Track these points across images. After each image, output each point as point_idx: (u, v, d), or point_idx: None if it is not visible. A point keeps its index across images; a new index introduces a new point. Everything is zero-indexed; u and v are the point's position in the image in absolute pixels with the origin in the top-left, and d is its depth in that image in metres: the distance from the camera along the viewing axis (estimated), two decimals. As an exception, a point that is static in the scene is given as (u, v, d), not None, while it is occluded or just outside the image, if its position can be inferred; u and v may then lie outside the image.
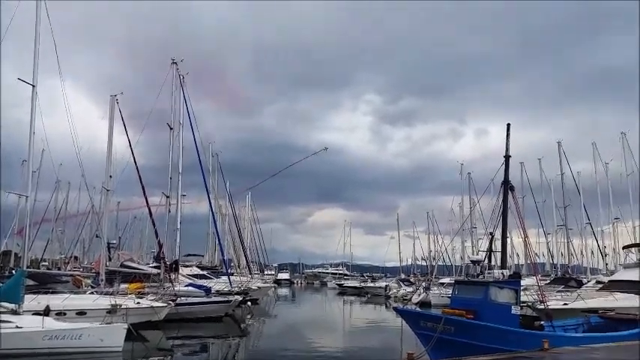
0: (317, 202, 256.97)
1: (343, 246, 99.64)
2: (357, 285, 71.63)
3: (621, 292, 22.56)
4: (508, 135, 18.74)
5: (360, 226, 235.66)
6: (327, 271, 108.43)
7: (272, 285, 52.13)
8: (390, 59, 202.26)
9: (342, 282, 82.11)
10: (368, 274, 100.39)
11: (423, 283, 49.41)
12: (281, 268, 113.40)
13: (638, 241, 37.24)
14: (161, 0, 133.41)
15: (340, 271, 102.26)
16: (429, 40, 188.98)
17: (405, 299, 45.62)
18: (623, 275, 26.35)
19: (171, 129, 32.22)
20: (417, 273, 79.37)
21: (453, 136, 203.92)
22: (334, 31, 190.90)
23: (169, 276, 27.98)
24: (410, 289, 50.34)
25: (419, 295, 43.34)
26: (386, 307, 44.98)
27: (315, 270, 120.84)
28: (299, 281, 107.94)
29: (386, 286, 61.73)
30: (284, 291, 73.54)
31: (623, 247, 33.62)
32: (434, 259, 68.09)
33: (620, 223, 46.99)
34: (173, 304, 22.47)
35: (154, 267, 31.47)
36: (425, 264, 78.11)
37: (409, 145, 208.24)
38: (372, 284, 68.56)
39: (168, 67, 32.40)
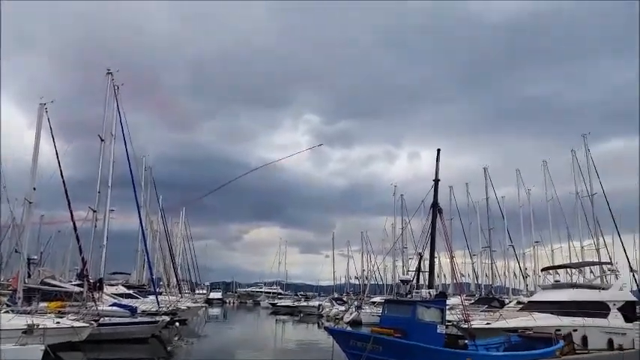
0: (254, 220, 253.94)
1: (278, 264, 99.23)
2: (291, 304, 71.30)
3: (539, 312, 23.81)
4: (438, 159, 19.61)
5: (296, 245, 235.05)
6: (260, 290, 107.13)
7: (203, 305, 50.85)
8: (329, 81, 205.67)
9: (276, 301, 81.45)
10: (302, 293, 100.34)
11: (355, 302, 49.96)
12: (213, 286, 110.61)
13: (555, 264, 39.63)
14: (99, 1, 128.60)
15: (274, 290, 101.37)
16: (367, 65, 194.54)
17: (337, 318, 45.87)
18: (541, 296, 27.88)
19: (102, 140, 31.11)
20: (349, 292, 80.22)
21: (388, 158, 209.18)
22: (275, 51, 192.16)
23: (93, 295, 26.72)
24: (342, 308, 50.76)
25: (350, 314, 43.73)
26: (318, 326, 45.00)
27: (249, 289, 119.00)
28: (231, 300, 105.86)
29: (319, 305, 61.87)
30: (215, 311, 71.79)
31: (542, 270, 35.69)
32: (366, 278, 69.09)
33: (540, 246, 49.79)
34: (96, 324, 21.47)
35: (77, 285, 29.92)
36: (358, 283, 79.17)
37: (346, 165, 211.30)
38: (305, 303, 68.51)
39: (103, 77, 31.52)
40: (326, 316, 52.27)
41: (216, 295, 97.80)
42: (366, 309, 43.73)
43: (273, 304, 77.80)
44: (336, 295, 72.41)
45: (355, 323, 39.74)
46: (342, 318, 44.38)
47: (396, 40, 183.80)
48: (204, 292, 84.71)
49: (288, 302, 75.46)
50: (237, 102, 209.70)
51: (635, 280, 36.38)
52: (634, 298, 27.23)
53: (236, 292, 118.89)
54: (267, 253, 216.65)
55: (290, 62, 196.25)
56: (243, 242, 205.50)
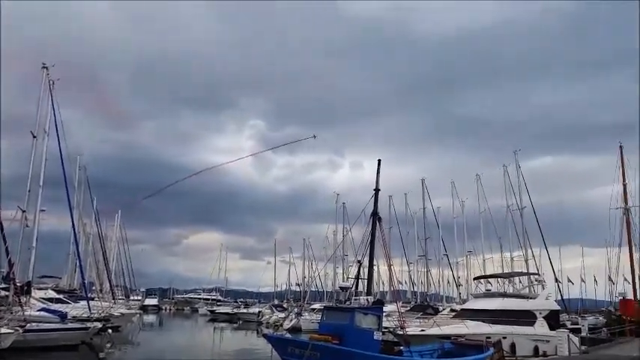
0: (194, 225, 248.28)
1: (218, 271, 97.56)
2: (230, 311, 70.29)
3: (471, 319, 24.75)
4: (378, 170, 20.07)
5: (237, 251, 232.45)
6: (199, 296, 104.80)
7: (137, 311, 49.15)
8: (276, 88, 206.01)
9: (214, 308, 79.92)
10: (242, 299, 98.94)
11: (295, 309, 49.95)
12: (149, 292, 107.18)
13: (486, 274, 41.33)
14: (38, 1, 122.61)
15: (213, 297, 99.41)
16: (315, 74, 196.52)
17: (277, 325, 45.65)
18: (473, 304, 28.98)
19: (34, 137, 29.64)
20: (290, 298, 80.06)
21: (331, 166, 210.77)
22: (221, 55, 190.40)
23: (19, 299, 25.33)
24: (282, 315, 50.59)
25: (290, 320, 43.71)
26: (257, 333, 44.65)
27: (187, 295, 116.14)
28: (168, 307, 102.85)
29: (259, 312, 61.37)
30: (151, 318, 69.61)
31: (474, 279, 37.13)
32: (307, 285, 69.27)
33: (472, 256, 51.95)
34: (21, 331, 20.43)
35: (2, 288, 28.27)
36: (299, 289, 79.14)
37: (290, 171, 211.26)
38: (244, 310, 67.76)
39: (38, 71, 30.08)
40: (265, 322, 51.92)
41: (151, 301, 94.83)
42: (306, 316, 43.83)
43: (212, 311, 76.31)
44: (276, 302, 72.03)
45: (295, 330, 39.74)
46: (281, 325, 44.23)
47: (343, 54, 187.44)
48: (139, 298, 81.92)
49: (227, 309, 74.28)
50: (179, 103, 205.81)
51: (560, 290, 38.62)
52: (558, 308, 28.92)
53: (173, 299, 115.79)
54: (207, 259, 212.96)
55: (236, 67, 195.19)
56: (183, 247, 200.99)
